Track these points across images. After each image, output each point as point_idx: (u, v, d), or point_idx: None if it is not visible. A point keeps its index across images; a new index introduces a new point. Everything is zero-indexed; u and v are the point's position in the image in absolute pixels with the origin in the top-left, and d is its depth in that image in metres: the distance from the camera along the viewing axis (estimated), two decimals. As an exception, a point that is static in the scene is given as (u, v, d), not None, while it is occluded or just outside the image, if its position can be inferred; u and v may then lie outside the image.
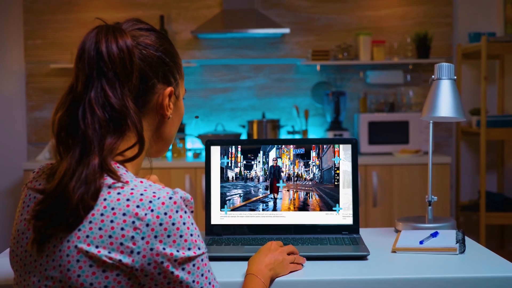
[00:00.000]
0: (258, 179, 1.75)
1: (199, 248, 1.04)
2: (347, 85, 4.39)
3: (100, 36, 1.07)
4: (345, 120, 4.38)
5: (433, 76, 1.81)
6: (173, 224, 1.00)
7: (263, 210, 1.73)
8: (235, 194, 1.74)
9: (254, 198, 1.74)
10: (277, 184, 1.75)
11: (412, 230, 1.76)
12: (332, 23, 4.36)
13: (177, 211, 1.01)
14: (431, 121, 1.87)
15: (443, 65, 1.79)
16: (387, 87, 4.39)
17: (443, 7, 4.35)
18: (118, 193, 1.01)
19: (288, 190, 1.74)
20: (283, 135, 4.35)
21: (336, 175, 1.73)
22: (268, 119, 4.25)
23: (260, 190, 1.74)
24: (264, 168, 1.75)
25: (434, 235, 1.63)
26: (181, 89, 1.22)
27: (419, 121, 4.06)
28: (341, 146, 1.74)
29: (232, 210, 1.73)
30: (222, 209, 1.74)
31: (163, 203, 1.01)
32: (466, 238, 1.68)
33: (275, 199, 1.73)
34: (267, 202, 1.73)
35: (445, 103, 1.76)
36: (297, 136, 4.31)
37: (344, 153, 1.74)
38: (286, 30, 4.06)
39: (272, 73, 4.42)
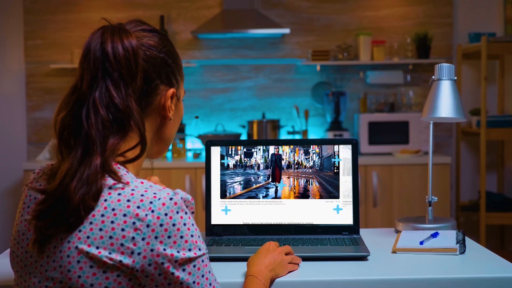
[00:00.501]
0: (258, 167, 1.76)
1: (199, 249, 1.04)
2: (347, 85, 4.39)
3: (106, 36, 1.07)
4: (345, 120, 4.38)
5: (433, 77, 1.81)
6: (174, 225, 1.00)
7: (263, 197, 1.73)
8: (235, 182, 1.74)
9: (255, 186, 1.75)
10: (279, 186, 1.75)
11: (412, 230, 1.76)
12: (332, 23, 4.36)
13: (177, 212, 1.01)
14: (431, 122, 1.87)
15: (443, 66, 1.79)
16: (387, 87, 4.39)
17: (443, 7, 4.35)
18: (119, 194, 1.01)
19: (288, 178, 1.75)
20: (283, 135, 4.35)
21: (335, 162, 1.74)
22: (268, 119, 4.25)
23: (261, 177, 1.75)
24: (265, 156, 1.76)
25: (434, 235, 1.63)
26: (182, 91, 1.22)
27: (419, 121, 4.06)
28: (341, 146, 1.75)
29: (233, 198, 1.73)
30: (222, 207, 1.74)
31: (163, 204, 1.01)
32: (466, 238, 1.68)
33: (276, 186, 1.74)
34: (267, 189, 1.74)
35: (445, 104, 1.76)
36: (297, 136, 4.31)
37: (344, 154, 1.75)
38: (286, 30, 4.06)
39: (272, 73, 4.42)
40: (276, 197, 1.74)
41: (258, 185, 1.75)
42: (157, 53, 1.12)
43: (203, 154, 4.19)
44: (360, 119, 4.12)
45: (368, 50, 4.24)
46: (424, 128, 4.09)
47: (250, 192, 1.74)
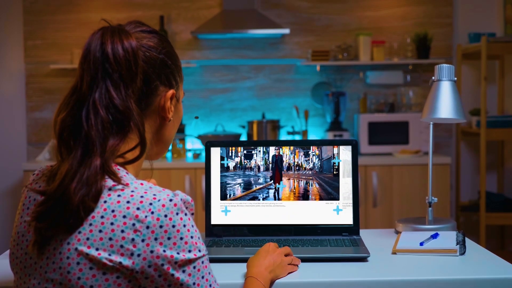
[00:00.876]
0: (258, 169, 1.75)
1: (199, 250, 1.04)
2: (347, 86, 4.39)
3: (106, 37, 1.07)
4: (345, 121, 4.38)
5: (433, 77, 1.81)
6: (174, 226, 1.00)
7: (263, 199, 1.73)
8: (236, 184, 1.74)
9: (255, 188, 1.74)
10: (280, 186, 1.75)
11: (412, 231, 1.76)
12: (332, 23, 4.36)
13: (177, 213, 1.01)
14: (431, 122, 1.87)
15: (443, 66, 1.79)
16: (387, 88, 4.39)
17: (443, 7, 4.35)
18: (118, 196, 1.01)
19: (288, 179, 1.74)
20: (283, 135, 4.35)
21: (335, 164, 1.74)
22: (268, 119, 4.24)
23: (260, 179, 1.75)
24: (265, 158, 1.76)
25: (435, 236, 1.63)
26: (181, 92, 1.22)
27: (419, 122, 4.06)
28: (341, 147, 1.75)
29: (233, 199, 1.73)
30: (222, 208, 1.74)
31: (163, 205, 1.01)
32: (466, 239, 1.68)
33: (276, 188, 1.74)
34: (267, 191, 1.74)
35: (445, 105, 1.76)
36: (297, 137, 4.32)
37: (344, 155, 1.74)
38: (286, 31, 4.06)
39: (272, 74, 4.42)
40: (276, 198, 1.74)
41: (258, 187, 1.75)
42: (156, 54, 1.12)
43: (203, 154, 4.19)
44: (360, 119, 4.12)
45: (368, 50, 4.24)
46: (424, 128, 4.08)
47: (250, 194, 1.74)
